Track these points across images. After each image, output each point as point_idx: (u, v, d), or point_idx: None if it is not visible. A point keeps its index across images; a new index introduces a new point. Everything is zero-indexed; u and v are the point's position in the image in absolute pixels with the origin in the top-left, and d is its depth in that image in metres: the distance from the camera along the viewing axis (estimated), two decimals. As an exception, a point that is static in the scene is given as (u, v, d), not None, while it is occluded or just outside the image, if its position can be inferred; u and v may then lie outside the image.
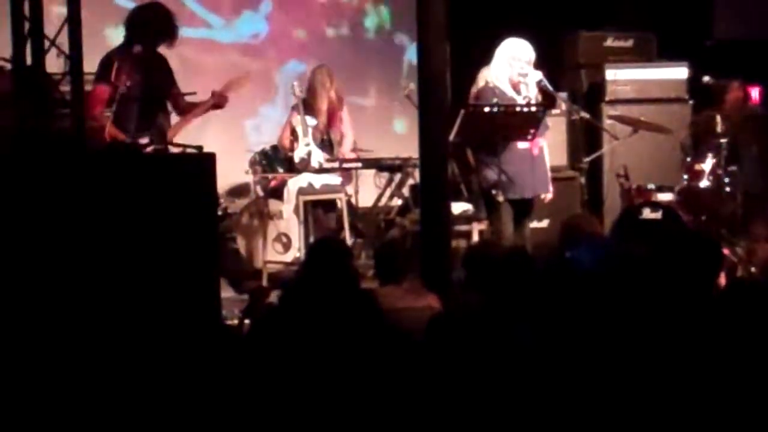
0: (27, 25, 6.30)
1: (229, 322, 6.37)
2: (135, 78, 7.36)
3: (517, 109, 7.84)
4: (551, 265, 5.75)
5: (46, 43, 6.36)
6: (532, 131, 7.82)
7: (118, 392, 4.62)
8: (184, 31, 8.06)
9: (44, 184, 5.68)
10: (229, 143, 9.30)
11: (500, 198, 7.79)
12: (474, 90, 7.99)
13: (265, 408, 4.37)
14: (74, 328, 5.54)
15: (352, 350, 4.57)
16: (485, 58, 8.05)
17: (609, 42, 10.26)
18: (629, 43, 10.28)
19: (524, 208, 8.03)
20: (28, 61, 6.36)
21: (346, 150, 9.14)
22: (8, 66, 6.76)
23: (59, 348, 5.41)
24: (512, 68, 7.89)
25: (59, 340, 5.47)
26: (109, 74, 7.29)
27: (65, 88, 6.56)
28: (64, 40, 6.42)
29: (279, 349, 4.61)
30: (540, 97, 8.04)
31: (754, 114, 9.36)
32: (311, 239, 8.56)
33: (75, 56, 6.32)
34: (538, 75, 7.95)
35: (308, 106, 8.98)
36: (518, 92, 7.93)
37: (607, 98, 9.86)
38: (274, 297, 6.67)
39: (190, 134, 7.74)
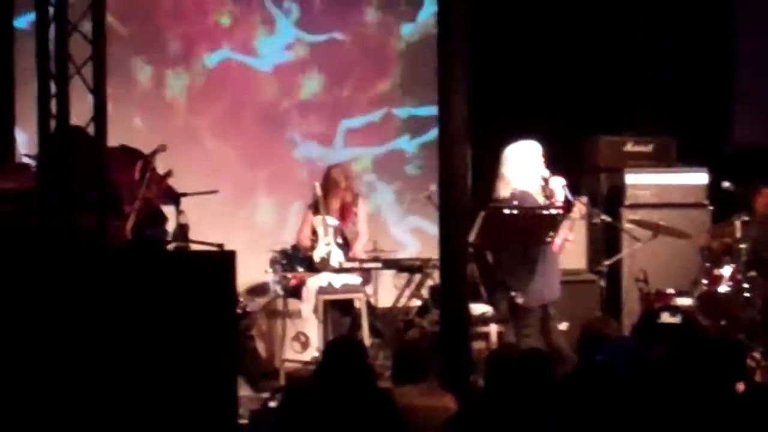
0: (53, 123, 6.38)
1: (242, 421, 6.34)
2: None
3: (537, 212, 7.86)
4: (582, 369, 5.73)
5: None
6: (551, 234, 7.84)
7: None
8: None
9: (66, 279, 5.72)
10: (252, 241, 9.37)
11: (519, 300, 7.78)
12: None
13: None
14: (94, 424, 5.54)
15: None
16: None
17: (629, 146, 10.29)
18: (649, 148, 10.31)
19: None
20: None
21: (358, 249, 9.17)
22: (33, 163, 6.84)
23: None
24: (535, 169, 7.89)
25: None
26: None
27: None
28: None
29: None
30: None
31: None
32: (330, 338, 8.55)
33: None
34: (561, 180, 7.96)
35: (324, 204, 9.03)
36: (547, 196, 7.92)
37: (626, 202, 9.87)
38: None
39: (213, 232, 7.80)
